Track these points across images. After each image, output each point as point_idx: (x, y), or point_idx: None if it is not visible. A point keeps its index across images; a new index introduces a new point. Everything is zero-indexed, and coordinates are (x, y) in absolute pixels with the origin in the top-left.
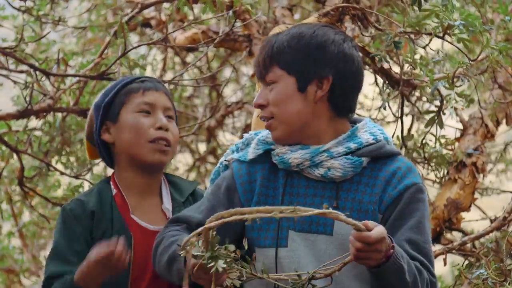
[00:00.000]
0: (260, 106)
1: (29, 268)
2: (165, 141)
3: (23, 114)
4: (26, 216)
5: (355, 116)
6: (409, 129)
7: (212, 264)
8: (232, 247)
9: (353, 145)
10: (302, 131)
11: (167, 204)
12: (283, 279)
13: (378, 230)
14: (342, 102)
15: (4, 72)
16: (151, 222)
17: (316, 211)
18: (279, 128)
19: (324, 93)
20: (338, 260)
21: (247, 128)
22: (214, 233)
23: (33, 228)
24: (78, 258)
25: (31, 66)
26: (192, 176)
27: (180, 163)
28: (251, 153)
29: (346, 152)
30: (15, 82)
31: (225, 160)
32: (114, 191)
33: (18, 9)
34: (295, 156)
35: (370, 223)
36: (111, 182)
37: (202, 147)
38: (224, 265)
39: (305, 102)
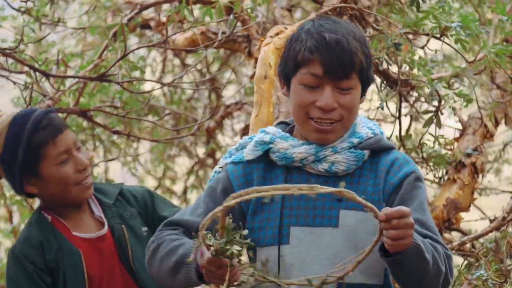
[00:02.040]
0: (332, 109)
1: None
2: (89, 176)
3: None
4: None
5: None
6: (408, 129)
7: (229, 248)
8: (246, 231)
9: (355, 140)
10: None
11: (98, 211)
12: (296, 284)
13: (401, 206)
14: None
15: (4, 73)
16: (91, 231)
17: (333, 189)
18: (340, 131)
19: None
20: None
21: (246, 129)
22: (231, 220)
23: None
24: None
25: (31, 67)
26: (191, 180)
27: (178, 167)
28: (249, 154)
29: (349, 147)
30: (15, 83)
31: (219, 168)
32: (49, 217)
33: (18, 10)
34: (299, 150)
35: (387, 208)
36: (42, 211)
37: (201, 150)
38: (240, 248)
39: (359, 106)
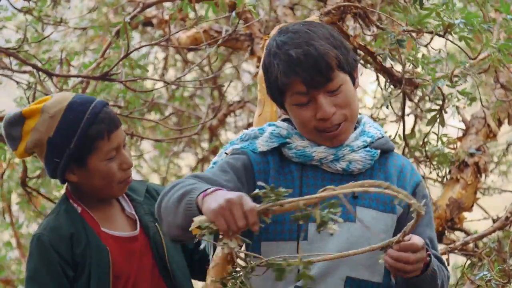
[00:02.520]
0: (333, 115)
1: None
2: (130, 177)
3: None
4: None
5: None
6: (412, 128)
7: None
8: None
9: (368, 139)
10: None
11: (129, 208)
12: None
13: (417, 238)
14: None
15: (7, 72)
16: (122, 230)
17: (386, 183)
18: (348, 129)
19: (358, 79)
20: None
21: (248, 127)
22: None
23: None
24: None
25: (34, 66)
26: None
27: (183, 163)
28: (263, 145)
29: (364, 146)
30: (18, 83)
31: (225, 153)
32: (79, 208)
33: (20, 10)
34: (319, 150)
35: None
36: (71, 200)
37: (205, 146)
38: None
39: (356, 93)
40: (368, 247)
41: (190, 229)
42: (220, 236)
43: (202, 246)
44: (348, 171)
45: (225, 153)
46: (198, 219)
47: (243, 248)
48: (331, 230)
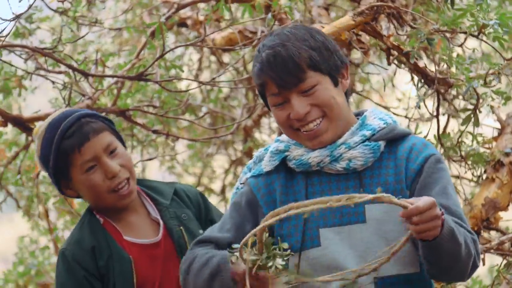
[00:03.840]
0: (306, 114)
1: None
2: (123, 182)
3: None
4: (60, 231)
5: (371, 109)
6: (445, 128)
7: (271, 264)
8: (285, 245)
9: (367, 132)
10: (343, 127)
11: (154, 213)
12: (330, 280)
13: (423, 199)
14: (348, 88)
15: (43, 73)
16: (145, 236)
17: (371, 196)
18: (330, 128)
19: (348, 80)
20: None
21: None
22: (267, 234)
23: None
24: None
25: (70, 66)
26: (229, 179)
27: (216, 164)
28: (267, 166)
29: (363, 140)
30: (53, 83)
31: (241, 183)
32: (101, 220)
33: (55, 11)
34: (314, 155)
35: (415, 198)
36: (94, 212)
37: (239, 148)
38: (283, 263)
39: (341, 94)
40: (379, 260)
41: None
42: None
43: None
44: (351, 169)
45: (241, 183)
46: None
47: None
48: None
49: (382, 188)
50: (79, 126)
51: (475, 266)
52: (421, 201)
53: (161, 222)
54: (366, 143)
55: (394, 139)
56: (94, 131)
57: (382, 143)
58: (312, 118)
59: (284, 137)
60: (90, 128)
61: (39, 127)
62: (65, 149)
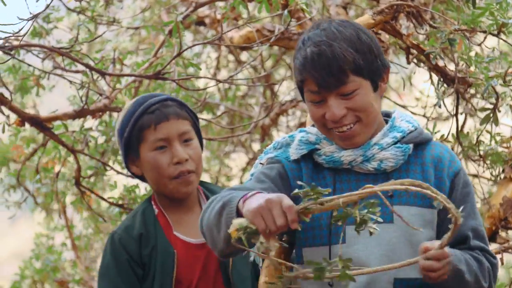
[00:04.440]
0: (342, 117)
1: (82, 279)
2: (187, 172)
3: (79, 113)
4: (78, 228)
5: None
6: (462, 126)
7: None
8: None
9: (398, 134)
10: (375, 129)
11: None
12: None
13: (441, 243)
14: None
15: (60, 72)
16: (194, 236)
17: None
18: (362, 132)
19: (387, 83)
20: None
21: (301, 126)
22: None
23: (86, 240)
24: (127, 286)
25: (87, 65)
26: (246, 177)
27: (234, 163)
28: (294, 153)
29: (394, 142)
30: (71, 82)
31: (260, 163)
32: (156, 210)
33: (73, 10)
34: (347, 154)
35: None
36: (152, 202)
37: (256, 147)
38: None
39: (378, 98)
40: (406, 262)
41: (229, 231)
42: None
43: (251, 258)
44: (381, 170)
45: (261, 163)
46: (237, 222)
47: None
48: (371, 229)
49: (411, 192)
50: (162, 105)
51: None
52: (444, 246)
53: None
54: (398, 145)
55: (420, 143)
56: (175, 114)
57: (411, 146)
58: (347, 122)
59: (311, 129)
60: (172, 110)
61: (128, 102)
62: (142, 123)
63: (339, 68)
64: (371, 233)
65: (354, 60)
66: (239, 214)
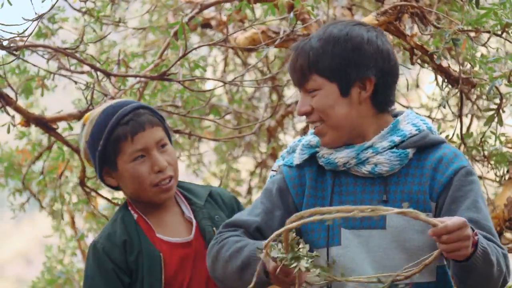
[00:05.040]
0: (305, 113)
1: None
2: (168, 179)
3: (84, 114)
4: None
5: (397, 109)
6: (468, 127)
7: (295, 264)
8: (306, 247)
9: (396, 138)
10: (350, 133)
11: (188, 212)
12: (362, 281)
13: (454, 219)
14: (384, 99)
15: (65, 73)
16: (177, 235)
17: (396, 210)
18: (329, 133)
19: (368, 94)
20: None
21: (306, 128)
22: (294, 234)
23: None
24: None
25: (92, 66)
26: (255, 181)
27: (242, 166)
28: (297, 158)
29: (391, 146)
30: (76, 83)
31: (273, 170)
32: (135, 215)
33: (79, 11)
34: (340, 155)
35: (447, 218)
36: (129, 208)
37: (263, 149)
38: (307, 265)
39: (350, 105)
40: (432, 257)
41: None
42: None
43: None
44: (375, 174)
45: (273, 170)
46: None
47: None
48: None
49: (405, 197)
50: (136, 115)
51: (505, 282)
52: (451, 221)
53: (194, 221)
54: (394, 150)
55: (425, 147)
56: (150, 123)
57: (410, 151)
58: (311, 119)
59: None
60: (146, 118)
61: (91, 113)
62: (118, 135)
63: (300, 65)
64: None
65: (318, 61)
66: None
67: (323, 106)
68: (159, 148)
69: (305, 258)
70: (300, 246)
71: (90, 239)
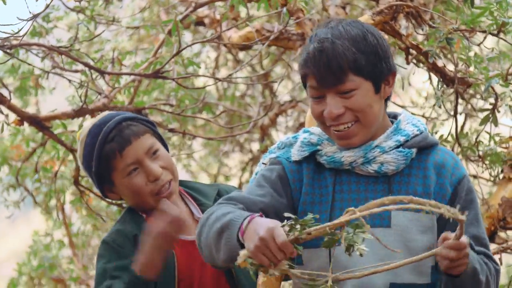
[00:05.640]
0: (338, 116)
1: (79, 277)
2: (168, 183)
3: (78, 113)
4: (76, 226)
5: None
6: (462, 127)
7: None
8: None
9: (401, 138)
10: (374, 132)
11: (198, 213)
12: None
13: (455, 234)
14: (390, 94)
15: (59, 71)
16: (188, 233)
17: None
18: (361, 132)
19: (392, 88)
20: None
21: (300, 126)
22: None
23: (83, 238)
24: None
25: (86, 64)
26: (246, 176)
27: (233, 162)
28: (296, 155)
29: (397, 146)
30: (70, 81)
31: (263, 163)
32: (143, 215)
33: (72, 9)
34: (348, 154)
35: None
36: (135, 210)
37: (255, 146)
38: (365, 249)
39: (380, 101)
40: (407, 260)
41: (236, 263)
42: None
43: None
44: (381, 173)
45: (263, 163)
46: (243, 254)
47: None
48: (360, 251)
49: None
50: (119, 130)
51: None
52: (464, 237)
53: None
54: (400, 149)
55: (424, 148)
56: (135, 134)
57: (414, 151)
58: (344, 120)
59: (315, 129)
60: (130, 131)
61: (80, 132)
62: (106, 154)
63: (337, 66)
64: (361, 255)
65: (355, 60)
66: (238, 242)
67: (362, 105)
68: (151, 156)
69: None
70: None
71: (77, 226)
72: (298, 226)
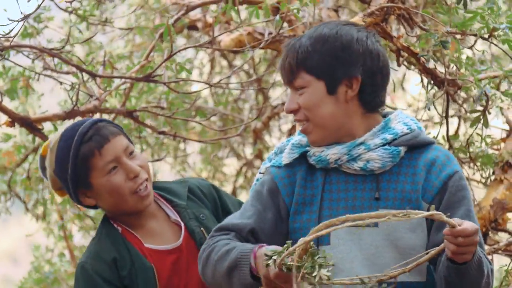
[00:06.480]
0: (292, 111)
1: None
2: (145, 182)
3: (69, 114)
4: (77, 238)
5: (387, 109)
6: (457, 130)
7: (316, 273)
8: (330, 254)
9: (389, 136)
10: (337, 132)
11: (174, 215)
12: (346, 283)
13: (469, 223)
14: (373, 98)
15: (50, 73)
16: (166, 241)
17: (426, 213)
18: (314, 131)
19: (355, 92)
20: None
21: (293, 130)
22: (312, 242)
23: (83, 250)
24: None
25: (78, 67)
26: (240, 181)
27: (227, 168)
28: (286, 158)
29: (383, 143)
30: (61, 83)
31: (260, 173)
32: (119, 229)
33: (65, 10)
34: (332, 152)
35: (459, 220)
36: (111, 221)
37: (249, 151)
38: (329, 273)
39: (337, 103)
40: (421, 260)
41: None
42: None
43: None
44: (367, 171)
45: (261, 172)
46: None
47: None
48: (323, 276)
49: (398, 195)
50: (96, 129)
51: None
52: (469, 225)
53: (182, 224)
54: (386, 147)
55: (416, 147)
56: (112, 133)
57: (402, 149)
58: (298, 118)
59: None
60: (108, 130)
61: (49, 141)
62: (85, 154)
63: (290, 63)
64: (329, 278)
65: (306, 58)
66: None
67: (309, 104)
68: (128, 156)
69: (325, 267)
70: (319, 255)
71: (77, 238)
72: (275, 257)
